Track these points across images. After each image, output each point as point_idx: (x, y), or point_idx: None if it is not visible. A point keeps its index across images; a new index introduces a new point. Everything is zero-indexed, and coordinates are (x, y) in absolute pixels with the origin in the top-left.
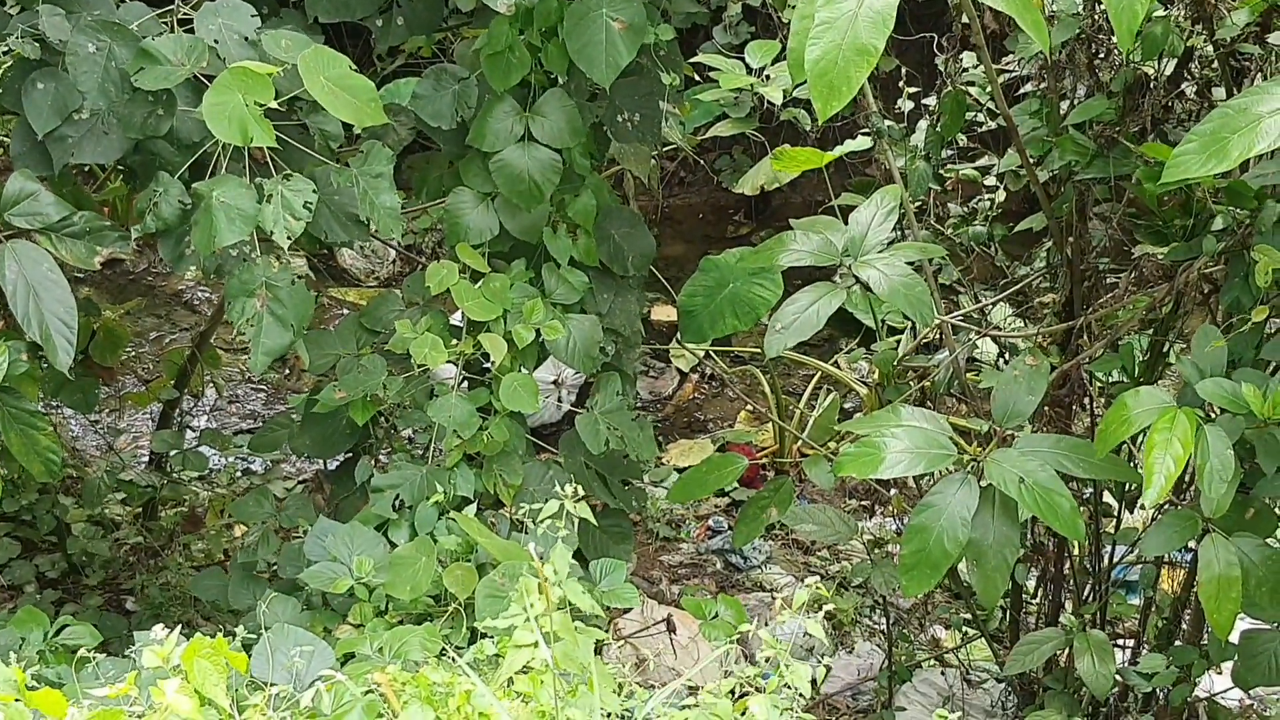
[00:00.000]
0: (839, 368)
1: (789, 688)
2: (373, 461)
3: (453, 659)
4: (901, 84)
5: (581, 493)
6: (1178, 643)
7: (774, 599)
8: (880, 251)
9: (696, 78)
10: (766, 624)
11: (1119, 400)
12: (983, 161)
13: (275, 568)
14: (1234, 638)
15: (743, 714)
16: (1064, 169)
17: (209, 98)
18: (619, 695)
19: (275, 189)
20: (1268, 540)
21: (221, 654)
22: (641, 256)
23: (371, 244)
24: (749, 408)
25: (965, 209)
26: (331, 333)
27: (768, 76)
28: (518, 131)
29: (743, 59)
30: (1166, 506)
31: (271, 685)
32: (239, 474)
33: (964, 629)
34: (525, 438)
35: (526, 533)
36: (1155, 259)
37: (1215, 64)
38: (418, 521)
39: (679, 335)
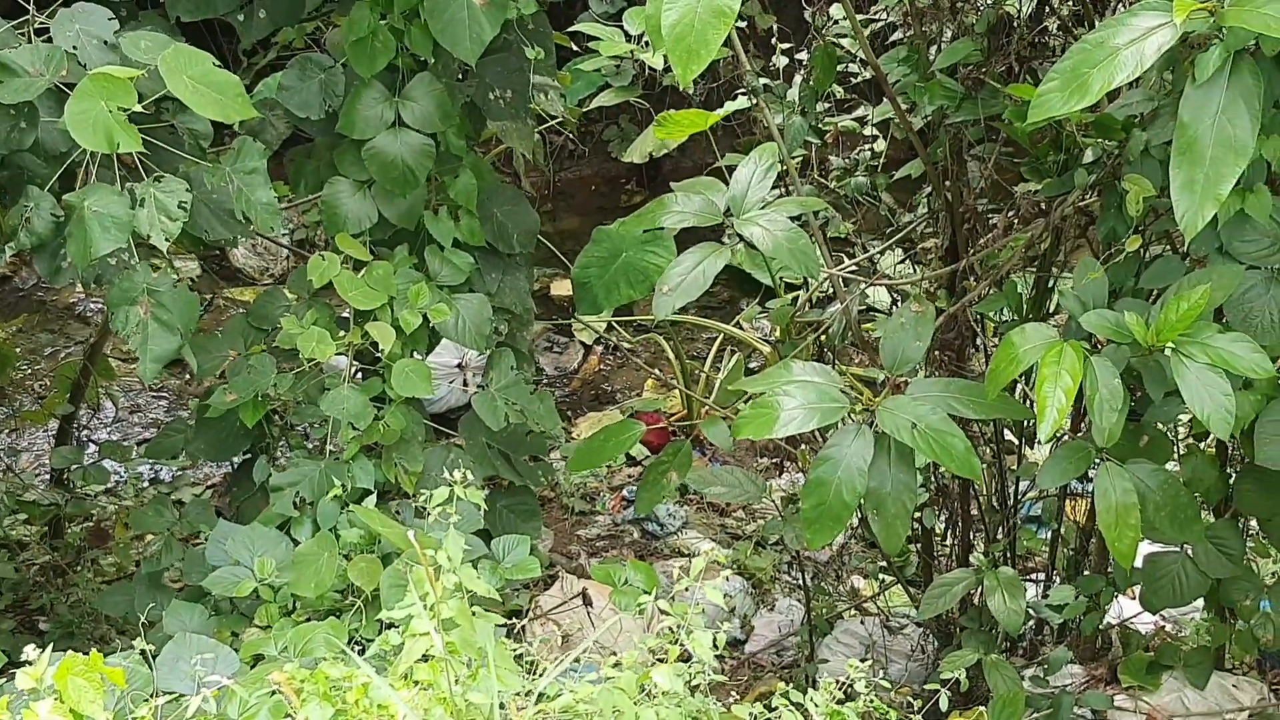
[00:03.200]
0: (741, 328)
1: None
2: (271, 460)
3: (357, 653)
4: (774, 41)
5: (489, 473)
6: (1086, 572)
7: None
8: (762, 208)
9: (575, 48)
10: (688, 590)
11: (1005, 339)
12: (860, 112)
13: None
14: (1140, 563)
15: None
16: (936, 114)
17: (71, 107)
18: (531, 674)
19: (147, 192)
20: (1164, 465)
21: (97, 670)
22: (526, 233)
23: (263, 241)
24: (655, 375)
25: (847, 161)
26: (219, 335)
27: (647, 43)
28: (388, 118)
29: (621, 27)
30: (1066, 438)
31: (157, 697)
32: (145, 484)
33: (880, 577)
34: (423, 423)
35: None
36: (1031, 197)
37: None
38: (320, 517)
39: (575, 308)
